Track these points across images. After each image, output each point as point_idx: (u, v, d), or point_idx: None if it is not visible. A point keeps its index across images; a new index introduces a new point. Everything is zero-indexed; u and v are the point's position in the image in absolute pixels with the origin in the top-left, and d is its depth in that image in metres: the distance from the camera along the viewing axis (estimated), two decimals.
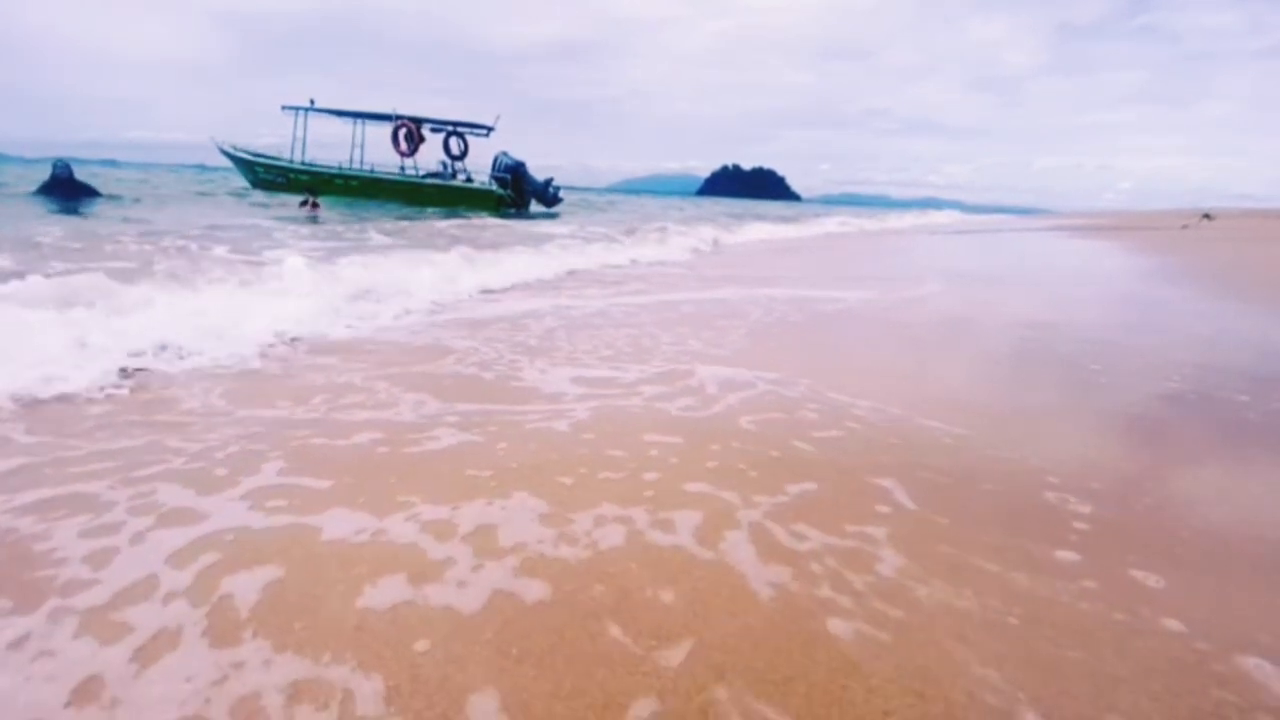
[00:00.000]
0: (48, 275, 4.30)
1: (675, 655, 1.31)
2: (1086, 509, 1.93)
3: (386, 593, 1.48)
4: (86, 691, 1.18)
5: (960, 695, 1.22)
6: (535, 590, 1.51)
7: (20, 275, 4.00)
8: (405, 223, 13.97)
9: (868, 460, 2.26)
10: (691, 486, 2.05)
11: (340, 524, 1.76)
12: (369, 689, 1.20)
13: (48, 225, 9.39)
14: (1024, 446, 2.40)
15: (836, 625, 1.41)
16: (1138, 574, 1.61)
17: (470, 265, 6.60)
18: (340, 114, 23.47)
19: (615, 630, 1.38)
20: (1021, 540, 1.76)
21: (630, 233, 13.04)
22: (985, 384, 3.30)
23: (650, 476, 2.11)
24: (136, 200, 15.94)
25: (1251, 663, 1.31)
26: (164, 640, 1.31)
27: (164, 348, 3.18)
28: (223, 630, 1.34)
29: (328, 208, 16.67)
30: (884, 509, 1.92)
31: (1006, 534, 1.79)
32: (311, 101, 22.94)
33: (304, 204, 16.21)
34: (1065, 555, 1.69)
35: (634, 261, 9.10)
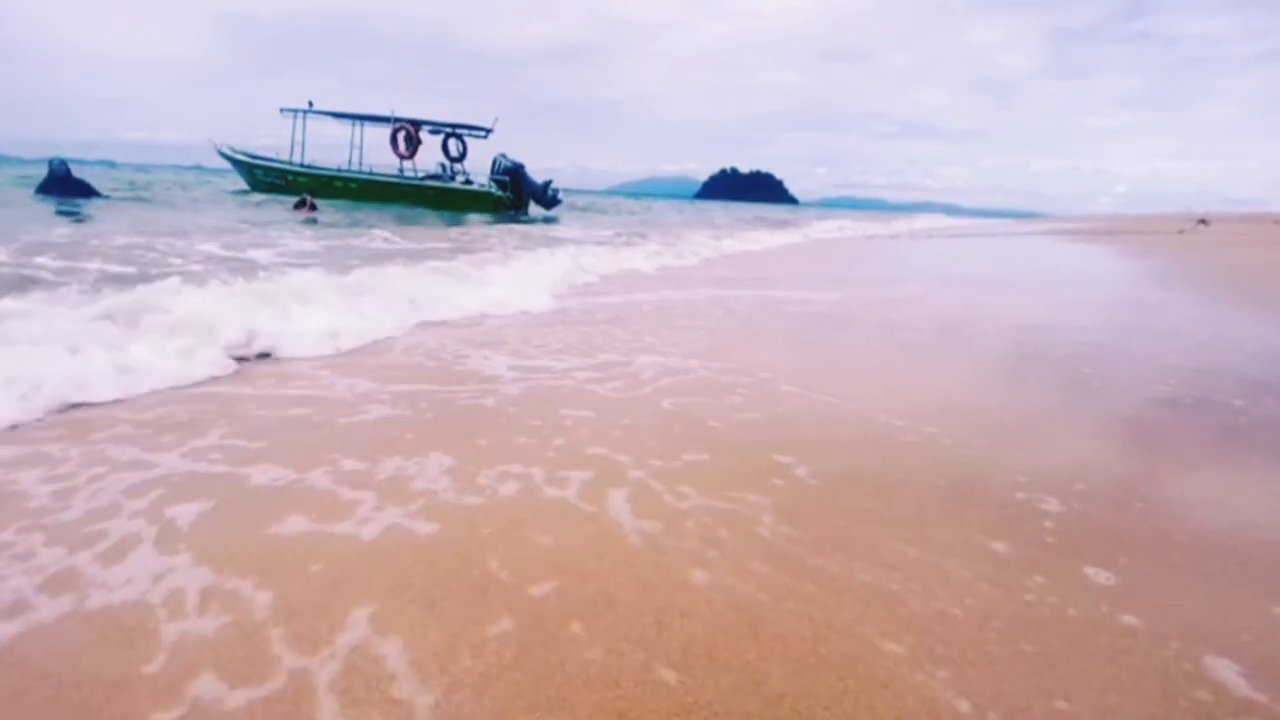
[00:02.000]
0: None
1: (541, 589, 1.49)
2: (1057, 509, 1.91)
3: (295, 525, 1.73)
4: (60, 580, 1.47)
5: (826, 647, 1.33)
6: (428, 529, 1.73)
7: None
8: (408, 227, 13.66)
9: (782, 441, 2.35)
10: (593, 450, 2.24)
11: (268, 473, 2.01)
12: (263, 598, 1.43)
13: (59, 231, 9.53)
14: (999, 448, 2.34)
15: (699, 575, 1.55)
16: (1109, 572, 1.60)
17: (491, 275, 6.40)
18: (339, 116, 23.66)
19: (493, 565, 1.58)
20: (971, 534, 1.75)
21: (643, 237, 12.89)
22: (965, 386, 3.20)
23: (558, 442, 2.31)
24: (144, 200, 16.12)
25: (1221, 664, 1.30)
26: (125, 545, 1.61)
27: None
28: (165, 543, 1.62)
29: (329, 211, 16.38)
30: (779, 482, 2.03)
31: (951, 526, 1.79)
32: (310, 104, 23.14)
33: (299, 205, 15.86)
34: (1026, 552, 1.68)
35: (663, 268, 9.04)
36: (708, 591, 1.49)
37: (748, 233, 17.62)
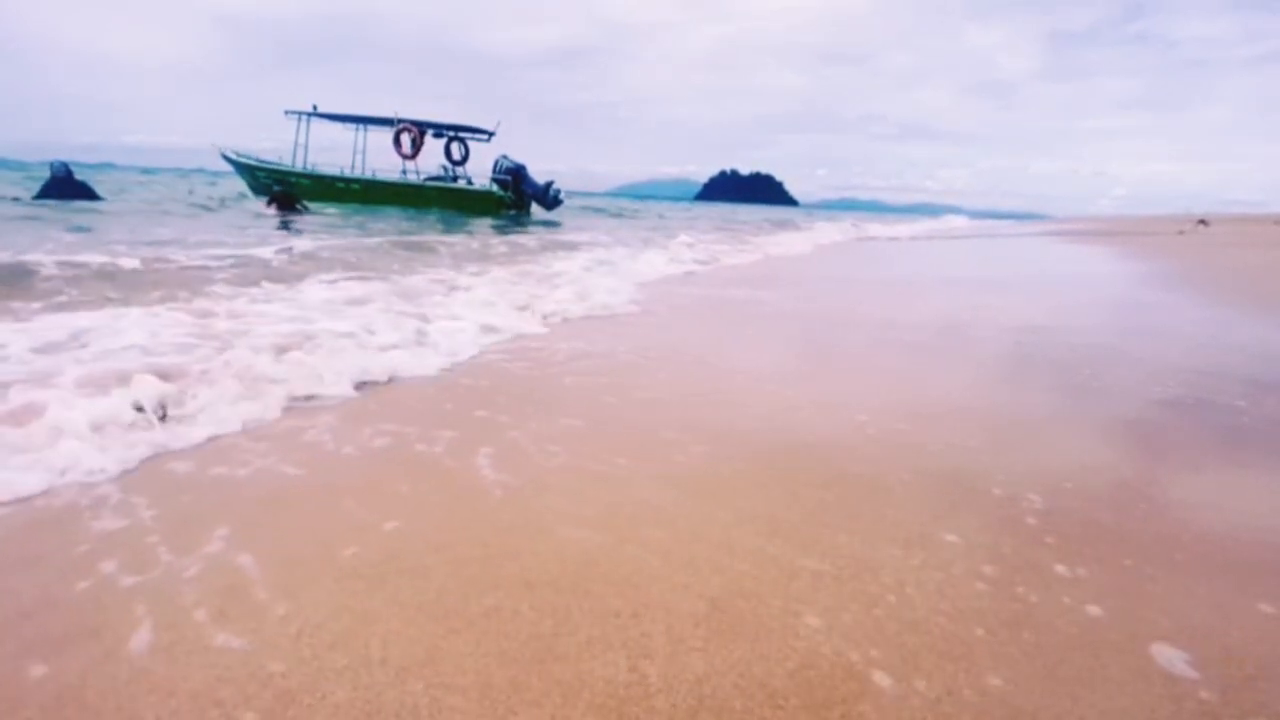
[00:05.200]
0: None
1: (390, 525, 1.70)
2: (1038, 506, 1.89)
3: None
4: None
5: (676, 597, 1.43)
6: (297, 470, 2.00)
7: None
8: (410, 236, 11.79)
9: (682, 420, 2.47)
10: (478, 413, 2.44)
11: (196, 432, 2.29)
12: (150, 517, 1.72)
13: (61, 233, 9.51)
14: (979, 446, 2.33)
15: (564, 528, 1.69)
16: (1083, 568, 1.59)
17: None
18: (342, 119, 23.68)
19: (350, 504, 1.81)
20: (926, 526, 1.75)
21: (662, 242, 12.37)
22: (956, 387, 3.17)
23: (447, 407, 2.51)
24: (146, 202, 16.04)
25: (1175, 654, 1.31)
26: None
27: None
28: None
29: (322, 214, 15.29)
30: (680, 458, 2.14)
31: (906, 518, 1.80)
32: (314, 107, 23.17)
33: (271, 203, 14.66)
34: (988, 545, 1.66)
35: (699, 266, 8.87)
36: (559, 538, 1.63)
37: (763, 236, 17.23)
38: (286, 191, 15.42)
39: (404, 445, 2.22)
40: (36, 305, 4.17)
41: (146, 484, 1.91)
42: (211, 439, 2.21)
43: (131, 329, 3.26)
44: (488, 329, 3.93)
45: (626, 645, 1.29)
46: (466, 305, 4.52)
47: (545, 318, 4.45)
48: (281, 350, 2.92)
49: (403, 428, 2.34)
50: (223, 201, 18.10)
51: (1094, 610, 1.44)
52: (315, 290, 4.97)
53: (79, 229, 9.58)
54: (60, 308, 4.09)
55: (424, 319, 3.95)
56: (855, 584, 1.50)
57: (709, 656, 1.26)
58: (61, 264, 5.44)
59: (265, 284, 5.24)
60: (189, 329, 3.37)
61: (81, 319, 3.52)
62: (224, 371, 2.61)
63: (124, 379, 2.36)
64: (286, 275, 5.97)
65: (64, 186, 15.20)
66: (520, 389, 2.86)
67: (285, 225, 12.35)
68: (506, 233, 13.53)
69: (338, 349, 3.01)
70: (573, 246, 10.75)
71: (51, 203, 14.05)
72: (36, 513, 1.72)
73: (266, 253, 7.39)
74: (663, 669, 1.23)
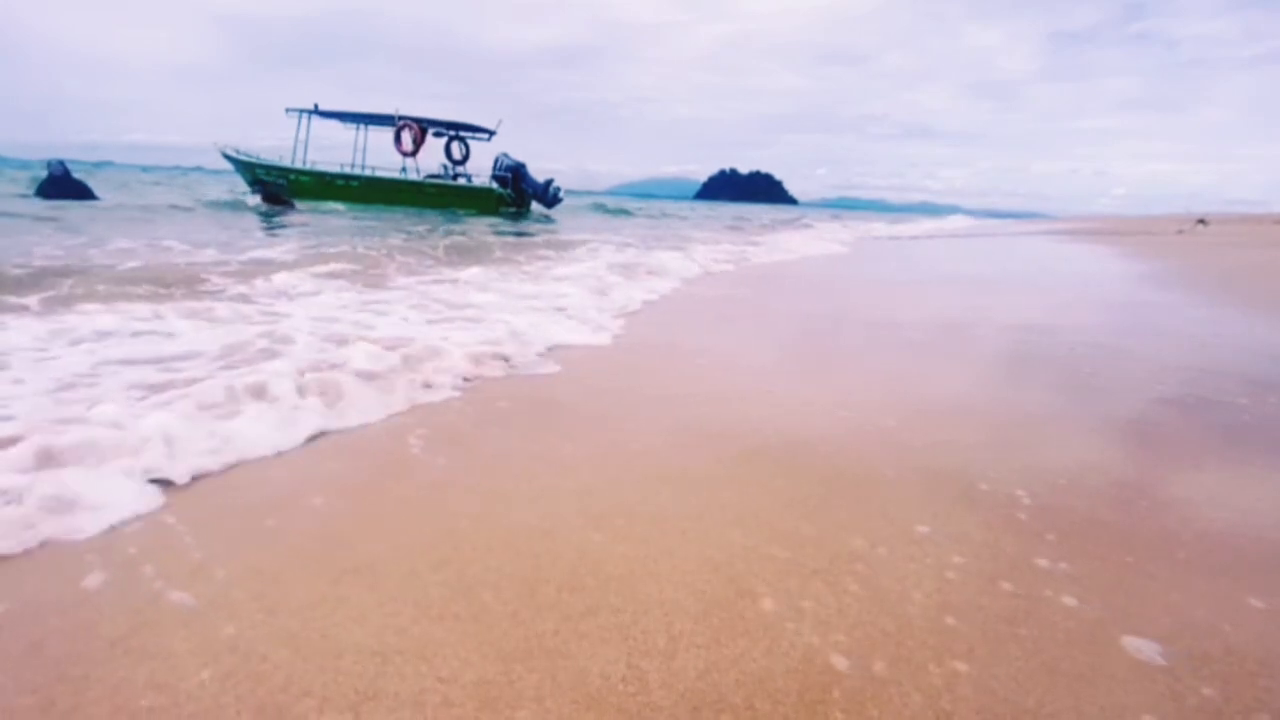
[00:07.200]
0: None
1: (320, 503, 1.78)
2: (1026, 501, 1.90)
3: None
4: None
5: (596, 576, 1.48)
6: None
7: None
8: (412, 235, 10.98)
9: (630, 408, 2.55)
10: (426, 398, 2.53)
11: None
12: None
13: (54, 236, 9.51)
14: (963, 443, 2.33)
15: (560, 526, 1.70)
16: (1066, 563, 1.60)
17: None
18: (343, 117, 23.68)
19: (282, 477, 1.92)
20: (900, 521, 1.76)
21: (678, 244, 11.76)
22: (952, 386, 3.13)
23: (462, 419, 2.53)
24: (142, 200, 16.04)
25: (1149, 645, 1.32)
26: None
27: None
28: None
29: (339, 212, 15.85)
30: (678, 457, 2.15)
31: (882, 511, 1.80)
32: (315, 105, 23.16)
33: (266, 199, 15.66)
34: (961, 537, 1.68)
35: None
36: (556, 535, 1.65)
37: (780, 235, 16.92)
38: (273, 191, 16.34)
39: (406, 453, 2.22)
40: (31, 301, 4.17)
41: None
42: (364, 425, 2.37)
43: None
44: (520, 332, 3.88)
45: (626, 642, 1.28)
46: (493, 309, 4.50)
47: (582, 322, 4.40)
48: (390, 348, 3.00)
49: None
50: (222, 201, 18.07)
51: (1095, 607, 1.44)
52: (345, 292, 4.96)
53: (74, 228, 9.57)
54: (59, 306, 4.08)
55: (477, 320, 4.02)
56: (854, 581, 1.50)
57: (708, 654, 1.25)
58: (58, 262, 5.44)
59: (281, 282, 5.25)
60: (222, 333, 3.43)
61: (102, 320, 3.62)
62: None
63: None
64: (302, 274, 5.96)
65: (61, 186, 15.22)
66: (535, 397, 2.87)
67: (280, 224, 12.33)
68: (510, 232, 13.44)
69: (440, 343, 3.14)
70: (584, 244, 10.76)
71: (48, 202, 14.04)
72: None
73: (274, 252, 7.39)
74: (662, 666, 1.22)
